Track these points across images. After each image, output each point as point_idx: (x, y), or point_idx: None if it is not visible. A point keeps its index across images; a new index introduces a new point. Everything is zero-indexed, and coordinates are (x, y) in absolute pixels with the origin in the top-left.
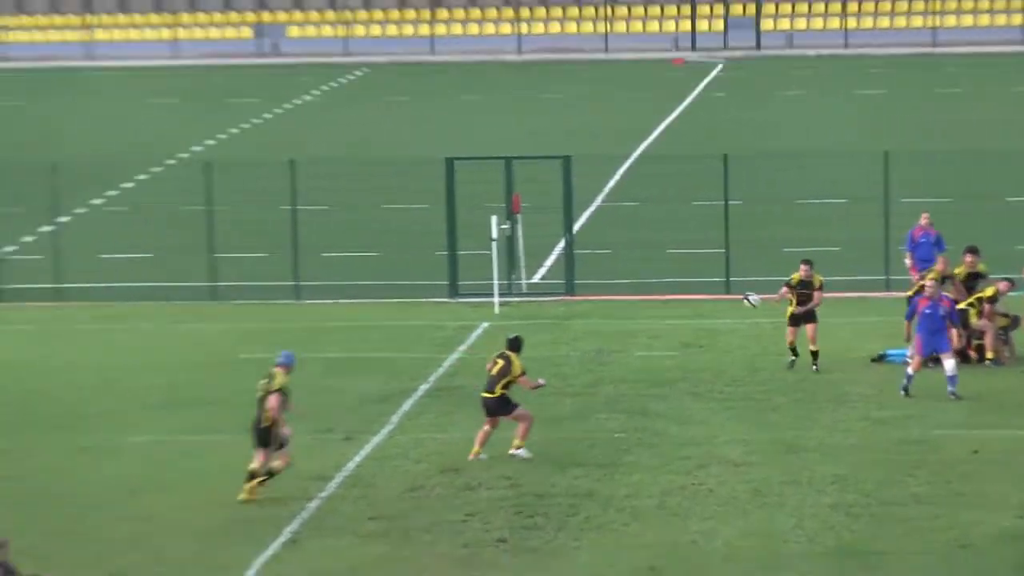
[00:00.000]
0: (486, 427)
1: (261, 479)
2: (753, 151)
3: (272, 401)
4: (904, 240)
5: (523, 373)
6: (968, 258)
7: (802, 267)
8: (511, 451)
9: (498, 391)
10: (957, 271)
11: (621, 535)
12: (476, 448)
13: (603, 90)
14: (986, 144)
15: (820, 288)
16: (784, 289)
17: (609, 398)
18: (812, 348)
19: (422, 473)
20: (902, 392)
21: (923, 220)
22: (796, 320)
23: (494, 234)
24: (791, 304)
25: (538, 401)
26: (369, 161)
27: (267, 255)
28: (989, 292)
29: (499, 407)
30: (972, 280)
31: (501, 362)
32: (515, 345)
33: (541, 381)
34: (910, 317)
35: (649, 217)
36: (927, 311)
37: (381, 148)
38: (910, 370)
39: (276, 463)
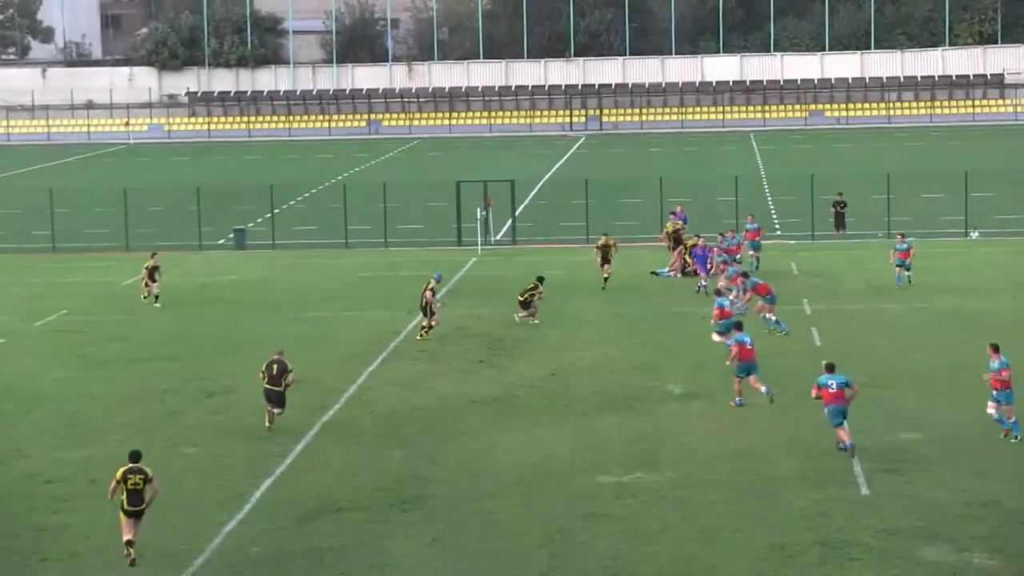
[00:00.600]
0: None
1: (426, 329)
2: (600, 178)
3: (428, 294)
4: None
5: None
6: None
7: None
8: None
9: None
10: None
11: (538, 356)
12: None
13: (529, 149)
14: (709, 172)
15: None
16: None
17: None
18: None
19: (444, 330)
20: None
21: (678, 208)
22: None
23: (478, 216)
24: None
25: (504, 296)
26: (419, 183)
27: (371, 227)
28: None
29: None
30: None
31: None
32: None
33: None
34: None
35: (552, 209)
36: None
37: (423, 177)
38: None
39: (433, 321)
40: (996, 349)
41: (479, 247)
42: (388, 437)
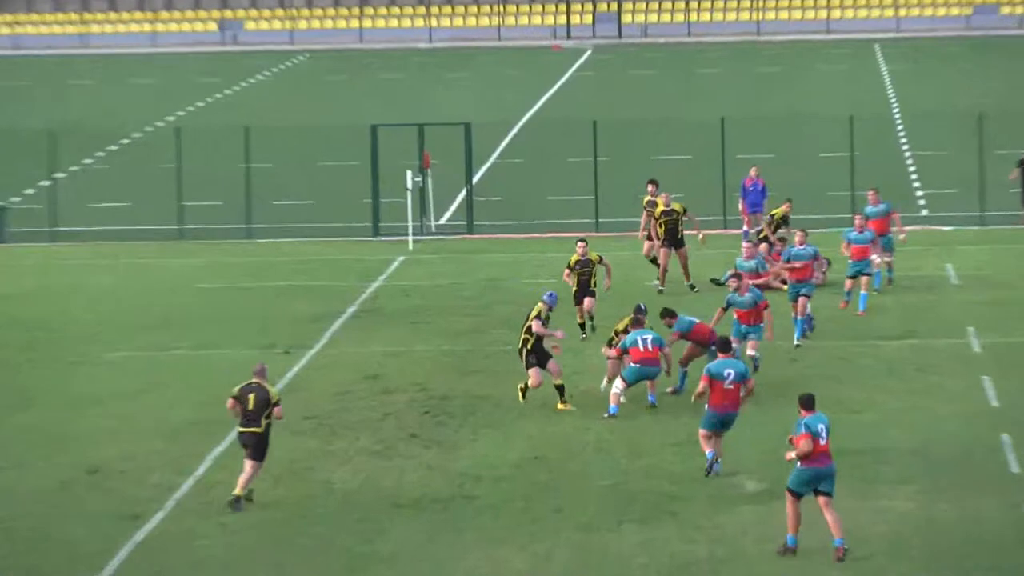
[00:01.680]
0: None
1: (523, 390)
2: (615, 119)
3: (536, 324)
4: (738, 188)
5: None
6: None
7: (579, 246)
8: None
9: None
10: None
11: (511, 429)
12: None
13: (496, 71)
14: (800, 111)
15: (601, 262)
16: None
17: (502, 317)
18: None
19: (348, 380)
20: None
21: (752, 172)
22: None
23: (409, 185)
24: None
25: (443, 319)
26: (309, 128)
27: (224, 204)
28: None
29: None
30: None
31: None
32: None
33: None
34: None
35: (533, 172)
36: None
37: (319, 117)
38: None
39: (547, 377)
40: None
41: (410, 238)
42: (248, 571)
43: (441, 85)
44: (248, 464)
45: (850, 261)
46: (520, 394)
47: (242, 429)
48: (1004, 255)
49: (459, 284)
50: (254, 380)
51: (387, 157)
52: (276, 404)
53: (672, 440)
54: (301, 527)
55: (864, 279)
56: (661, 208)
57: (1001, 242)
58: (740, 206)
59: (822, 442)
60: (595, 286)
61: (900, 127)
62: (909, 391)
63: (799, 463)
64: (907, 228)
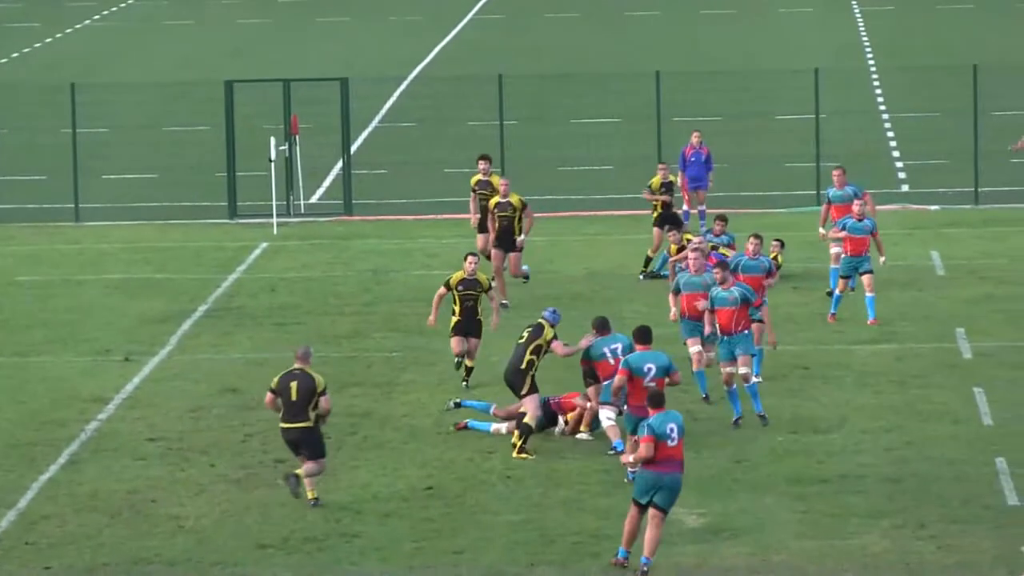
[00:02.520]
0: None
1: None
2: (527, 73)
3: (558, 346)
4: (677, 158)
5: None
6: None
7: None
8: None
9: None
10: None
11: (400, 453)
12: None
13: (378, 13)
14: (755, 64)
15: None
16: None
17: (386, 317)
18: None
19: (201, 394)
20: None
21: (694, 139)
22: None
23: (272, 155)
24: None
25: (315, 320)
26: (149, 85)
27: (47, 178)
28: None
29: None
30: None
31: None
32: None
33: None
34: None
35: (426, 138)
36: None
37: (161, 72)
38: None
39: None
40: None
41: (275, 220)
42: None
43: (312, 32)
44: (308, 465)
45: (844, 255)
46: (524, 448)
47: (286, 425)
48: (1001, 240)
49: (335, 277)
50: (296, 367)
51: (245, 121)
52: (323, 393)
53: (597, 466)
54: (143, 573)
55: (867, 278)
56: (497, 199)
57: (998, 225)
58: (679, 180)
59: (671, 443)
60: (480, 314)
61: (877, 83)
62: (886, 406)
63: (640, 467)
64: (885, 207)
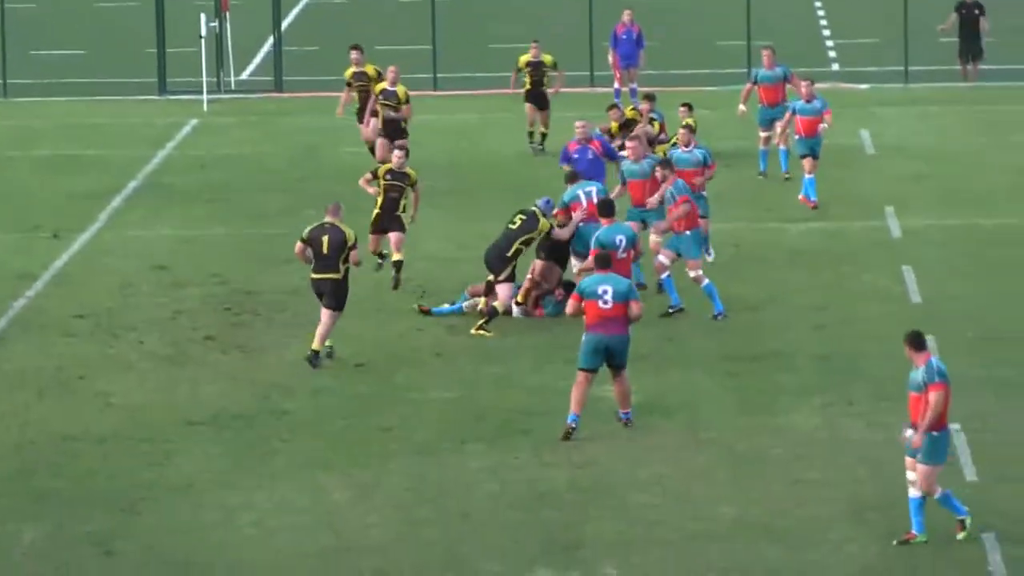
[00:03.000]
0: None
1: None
2: None
3: (563, 234)
4: (608, 36)
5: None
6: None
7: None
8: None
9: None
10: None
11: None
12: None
13: None
14: None
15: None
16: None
17: (318, 194)
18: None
19: (131, 270)
20: None
21: (625, 17)
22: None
23: (203, 32)
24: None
25: (246, 197)
26: None
27: None
28: None
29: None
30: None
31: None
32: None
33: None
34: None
35: (357, 14)
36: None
37: None
38: None
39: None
40: None
41: (205, 96)
42: (9, 508)
43: None
44: (325, 314)
45: (798, 137)
46: (484, 325)
47: (316, 276)
48: (931, 119)
49: (266, 154)
50: (327, 220)
51: None
52: (353, 247)
53: (528, 343)
54: (72, 450)
55: (808, 161)
56: (383, 85)
57: (928, 103)
58: (610, 58)
59: (603, 305)
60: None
61: None
62: (816, 285)
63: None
64: (815, 86)
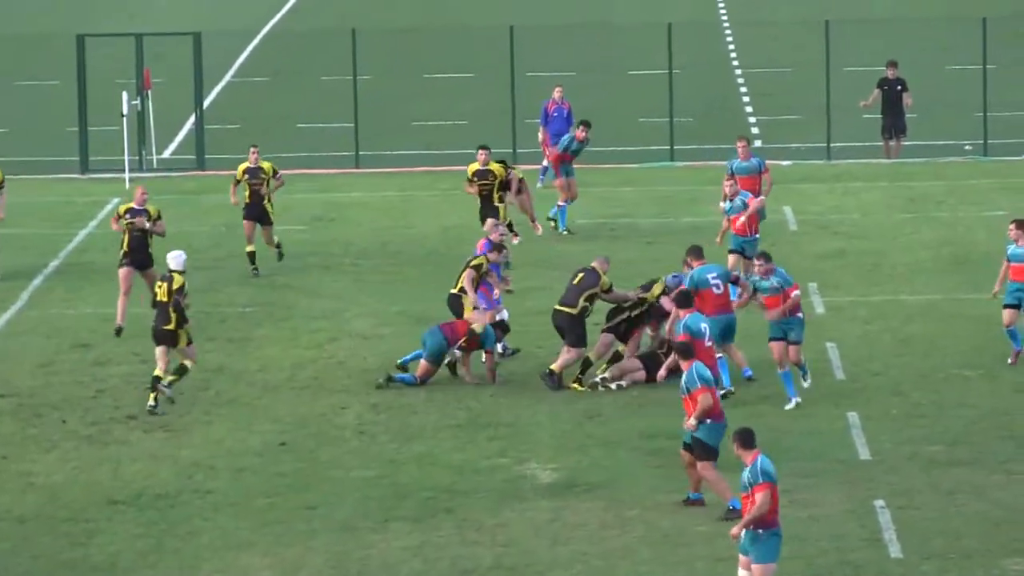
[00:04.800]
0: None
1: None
2: (380, 27)
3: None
4: (534, 113)
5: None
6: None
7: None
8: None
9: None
10: None
11: (253, 409)
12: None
13: None
14: (608, 18)
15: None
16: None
17: (239, 272)
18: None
19: (53, 349)
20: None
21: (556, 94)
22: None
23: (125, 110)
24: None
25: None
26: None
27: None
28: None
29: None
30: None
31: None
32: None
33: None
34: None
35: (279, 92)
36: None
37: (10, 24)
38: None
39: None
40: None
41: (127, 175)
42: None
43: None
44: (565, 355)
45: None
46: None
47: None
48: (854, 195)
49: (188, 232)
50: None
51: (97, 75)
52: (609, 290)
53: (451, 421)
54: None
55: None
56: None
57: (851, 179)
58: (540, 135)
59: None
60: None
61: (729, 37)
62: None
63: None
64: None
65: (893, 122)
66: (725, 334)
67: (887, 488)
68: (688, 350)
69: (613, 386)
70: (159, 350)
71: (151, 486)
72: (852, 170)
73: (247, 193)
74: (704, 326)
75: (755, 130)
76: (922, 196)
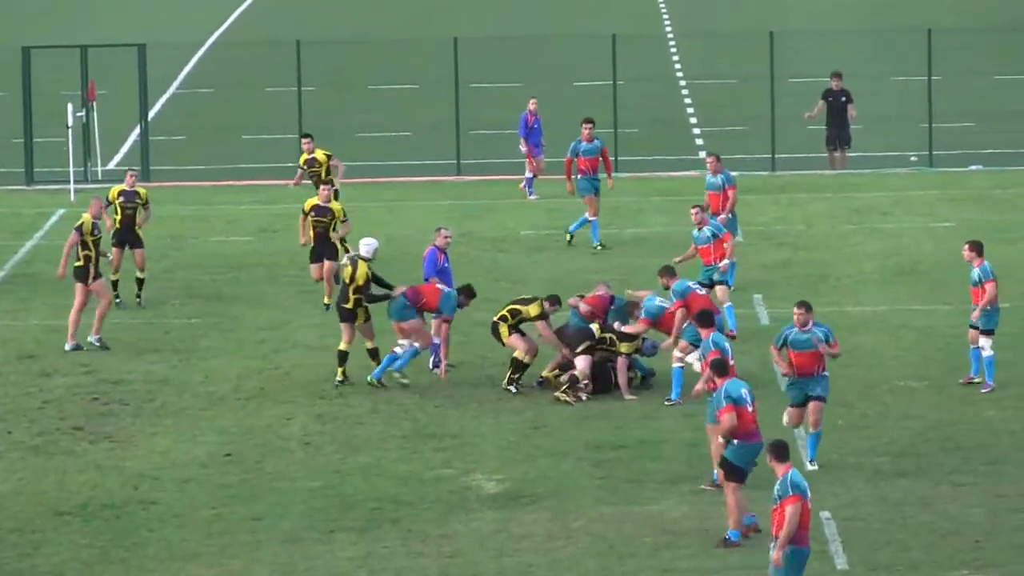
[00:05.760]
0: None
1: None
2: (325, 38)
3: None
4: (518, 125)
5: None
6: None
7: None
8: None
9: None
10: None
11: (198, 420)
12: None
13: None
14: (553, 29)
15: None
16: None
17: (185, 283)
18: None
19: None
20: None
21: (531, 105)
22: None
23: (70, 121)
24: None
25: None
26: None
27: None
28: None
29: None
30: None
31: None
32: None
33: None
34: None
35: (224, 104)
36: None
37: None
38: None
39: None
40: None
41: (72, 186)
42: None
43: None
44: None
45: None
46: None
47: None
48: (798, 206)
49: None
50: None
51: (42, 86)
52: None
53: (396, 432)
54: None
55: (720, 289)
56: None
57: (795, 190)
58: (523, 148)
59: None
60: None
61: (674, 49)
62: (685, 372)
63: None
64: (682, 173)
65: (837, 133)
66: None
67: (833, 499)
68: (723, 366)
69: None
70: (343, 326)
71: (97, 497)
72: (796, 181)
73: (118, 217)
74: (745, 391)
75: (699, 141)
76: (867, 207)
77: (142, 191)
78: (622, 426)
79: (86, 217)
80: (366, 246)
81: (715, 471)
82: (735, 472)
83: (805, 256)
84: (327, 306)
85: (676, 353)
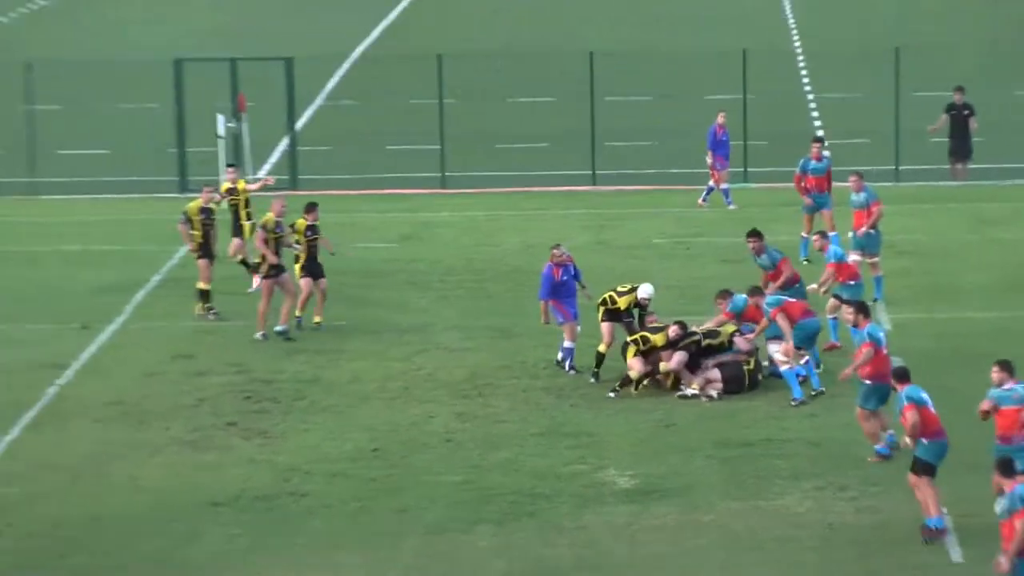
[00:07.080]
0: None
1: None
2: (465, 52)
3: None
4: (707, 138)
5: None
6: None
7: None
8: None
9: None
10: None
11: (346, 417)
12: None
13: None
14: (688, 42)
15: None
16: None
17: (331, 287)
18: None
19: (155, 360)
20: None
21: (720, 119)
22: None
23: (221, 132)
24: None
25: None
26: (101, 62)
27: (4, 153)
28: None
29: None
30: None
31: None
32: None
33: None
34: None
35: (368, 115)
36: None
37: (113, 50)
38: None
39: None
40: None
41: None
42: None
43: (256, 12)
44: None
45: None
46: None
47: None
48: (921, 216)
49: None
50: None
51: (194, 98)
52: None
53: (533, 430)
54: (103, 529)
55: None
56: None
57: (918, 200)
58: (708, 159)
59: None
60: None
61: (802, 64)
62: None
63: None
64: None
65: (959, 146)
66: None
67: (950, 496)
68: (904, 374)
69: (703, 398)
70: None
71: (250, 489)
72: (919, 192)
73: (198, 233)
74: (924, 395)
75: (826, 153)
76: (988, 218)
77: (214, 207)
78: (749, 425)
79: (269, 216)
80: (644, 290)
81: (876, 446)
82: (927, 468)
83: (927, 264)
84: (299, 319)
85: (779, 356)
